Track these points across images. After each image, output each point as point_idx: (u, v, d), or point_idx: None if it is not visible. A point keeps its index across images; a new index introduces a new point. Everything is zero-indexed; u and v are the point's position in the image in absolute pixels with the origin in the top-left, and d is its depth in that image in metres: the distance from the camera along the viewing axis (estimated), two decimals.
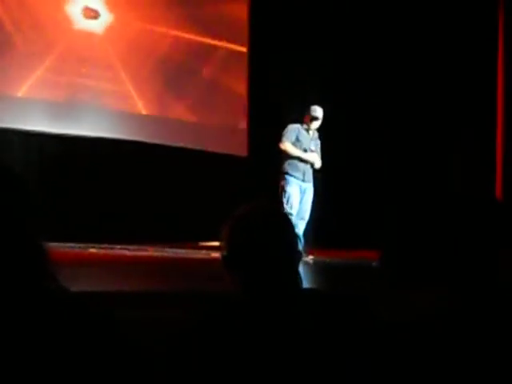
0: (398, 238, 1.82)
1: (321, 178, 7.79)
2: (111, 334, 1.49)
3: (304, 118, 7.64)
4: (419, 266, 1.76)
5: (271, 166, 9.49)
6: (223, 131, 9.73)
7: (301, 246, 7.40)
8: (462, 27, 9.43)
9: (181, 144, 9.16)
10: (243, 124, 9.86)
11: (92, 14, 8.77)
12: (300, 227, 7.47)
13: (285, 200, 7.49)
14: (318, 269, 7.30)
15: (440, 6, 9.46)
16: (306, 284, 6.25)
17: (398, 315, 1.68)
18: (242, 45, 9.83)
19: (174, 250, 8.07)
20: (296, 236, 2.03)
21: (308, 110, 7.63)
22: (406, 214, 1.85)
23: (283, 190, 7.54)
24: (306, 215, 7.58)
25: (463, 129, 9.45)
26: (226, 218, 1.98)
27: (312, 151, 7.61)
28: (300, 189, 7.56)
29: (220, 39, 9.67)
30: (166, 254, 7.86)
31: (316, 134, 7.70)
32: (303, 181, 7.57)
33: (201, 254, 7.87)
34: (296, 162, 7.57)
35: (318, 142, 7.74)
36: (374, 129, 9.53)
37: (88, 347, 1.45)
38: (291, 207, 7.45)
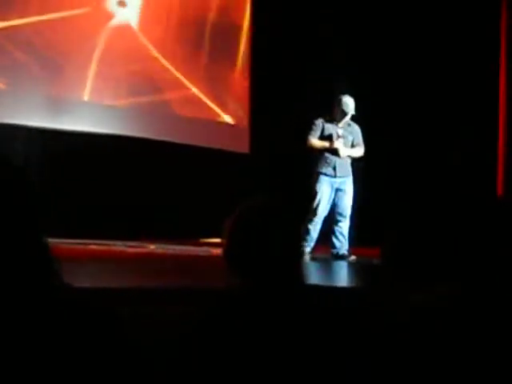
0: (399, 235, 1.82)
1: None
2: (113, 330, 1.50)
3: (333, 109, 7.39)
4: (420, 263, 1.76)
5: (273, 163, 9.51)
6: (224, 128, 9.73)
7: (342, 246, 7.29)
8: (465, 26, 9.41)
9: (182, 140, 9.15)
10: (245, 120, 9.85)
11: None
12: (341, 225, 7.28)
13: (314, 203, 7.25)
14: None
15: (443, 3, 9.44)
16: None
17: (398, 313, 1.69)
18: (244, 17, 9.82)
19: (175, 247, 8.07)
20: (298, 233, 2.03)
21: (338, 102, 7.36)
22: (407, 212, 1.85)
23: (315, 191, 7.30)
24: (346, 212, 7.31)
25: (464, 126, 9.44)
26: (228, 214, 1.99)
27: (339, 137, 7.33)
28: (332, 186, 7.30)
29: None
30: (166, 251, 7.86)
31: (346, 124, 7.42)
32: (335, 176, 7.31)
33: (202, 251, 7.87)
34: (325, 155, 7.31)
35: (356, 128, 7.45)
36: (375, 125, 9.52)
37: (90, 344, 1.45)
38: (317, 207, 7.23)
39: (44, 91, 8.24)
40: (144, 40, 9.01)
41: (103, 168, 8.51)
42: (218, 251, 7.06)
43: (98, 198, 8.35)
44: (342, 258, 7.27)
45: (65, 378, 1.41)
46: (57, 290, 1.48)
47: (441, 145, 9.52)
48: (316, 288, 1.99)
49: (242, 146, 9.70)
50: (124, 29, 8.88)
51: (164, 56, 9.13)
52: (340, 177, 7.33)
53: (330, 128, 7.39)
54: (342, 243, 7.32)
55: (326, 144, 7.33)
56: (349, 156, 7.41)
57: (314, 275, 6.46)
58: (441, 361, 1.62)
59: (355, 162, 7.54)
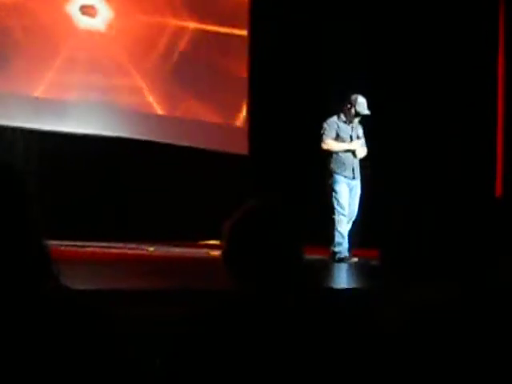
0: (397, 236, 1.82)
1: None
2: (111, 332, 1.49)
3: (344, 107, 7.29)
4: (419, 264, 1.76)
5: (272, 165, 9.51)
6: (223, 129, 9.73)
7: (347, 247, 7.24)
8: (463, 27, 9.41)
9: (181, 142, 9.15)
10: (244, 122, 9.85)
11: (90, 11, 8.77)
12: (348, 227, 7.25)
13: (335, 201, 7.17)
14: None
15: (441, 5, 9.44)
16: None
17: (397, 313, 1.69)
18: (242, 28, 9.79)
19: (174, 249, 8.07)
20: (298, 235, 2.03)
21: (350, 99, 7.26)
22: (405, 213, 1.85)
23: (333, 190, 7.20)
24: (354, 214, 7.28)
25: (462, 126, 9.44)
26: (227, 216, 1.98)
27: (359, 138, 7.29)
28: (349, 187, 7.25)
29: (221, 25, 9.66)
30: (165, 253, 7.86)
31: (357, 124, 7.35)
32: (353, 178, 7.26)
33: (201, 253, 7.87)
34: (343, 158, 7.22)
35: (360, 129, 7.38)
36: (373, 126, 9.53)
37: (88, 345, 1.45)
38: (343, 207, 7.16)
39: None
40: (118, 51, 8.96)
41: (101, 169, 8.51)
42: (216, 253, 7.07)
43: (96, 200, 8.36)
44: (343, 259, 7.24)
45: (62, 379, 1.41)
46: (55, 293, 1.48)
47: (439, 145, 9.51)
48: (315, 290, 1.99)
49: (242, 147, 9.70)
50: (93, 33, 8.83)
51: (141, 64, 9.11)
52: (356, 179, 7.32)
53: (344, 128, 7.31)
54: (345, 244, 7.28)
55: (346, 146, 7.26)
56: (361, 157, 7.38)
57: (313, 277, 6.46)
58: (441, 361, 1.61)
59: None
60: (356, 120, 7.34)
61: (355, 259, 7.31)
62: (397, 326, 1.66)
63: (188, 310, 1.91)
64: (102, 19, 8.86)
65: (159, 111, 9.26)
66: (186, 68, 9.37)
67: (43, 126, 8.25)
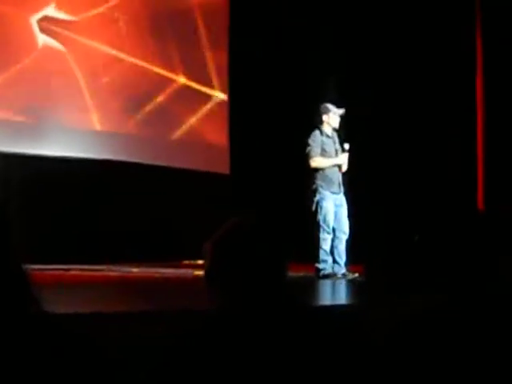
0: (381, 251, 1.82)
1: None
2: (93, 357, 1.47)
3: (321, 120, 7.31)
4: (403, 277, 1.76)
5: (253, 184, 9.51)
6: (204, 149, 9.73)
7: (343, 263, 7.22)
8: (442, 38, 9.48)
9: (162, 162, 9.14)
10: (224, 141, 9.86)
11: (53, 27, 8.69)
12: (343, 243, 7.20)
13: (321, 217, 7.14)
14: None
15: (421, 15, 9.50)
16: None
17: (382, 325, 1.68)
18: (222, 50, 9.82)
19: (158, 270, 8.03)
20: (281, 253, 2.02)
21: (323, 109, 7.30)
22: (389, 228, 1.85)
23: (319, 207, 7.17)
24: (347, 228, 7.24)
25: (442, 140, 9.49)
26: (209, 236, 1.97)
27: (345, 151, 7.32)
28: (335, 203, 7.25)
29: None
30: (149, 274, 7.82)
31: (336, 136, 7.39)
32: (338, 193, 7.26)
33: (185, 273, 7.84)
34: (329, 173, 7.22)
35: (338, 145, 7.41)
36: (357, 138, 9.57)
37: (71, 371, 1.43)
38: (328, 225, 7.14)
39: None
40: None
41: (83, 192, 8.48)
42: (200, 272, 7.04)
43: (77, 223, 8.31)
44: (344, 276, 7.19)
45: None
46: (36, 318, 1.46)
47: (420, 158, 9.55)
48: (299, 307, 1.98)
49: (223, 167, 9.71)
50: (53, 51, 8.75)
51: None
52: (341, 193, 7.32)
53: (328, 142, 7.33)
54: (343, 261, 7.24)
55: (334, 161, 7.26)
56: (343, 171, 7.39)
57: (300, 295, 6.44)
58: (430, 372, 1.61)
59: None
60: (334, 125, 7.36)
61: (355, 275, 7.18)
62: (384, 340, 1.65)
63: (173, 331, 1.90)
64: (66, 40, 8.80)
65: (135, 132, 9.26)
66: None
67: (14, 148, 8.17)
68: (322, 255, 7.14)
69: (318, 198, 7.21)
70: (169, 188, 9.02)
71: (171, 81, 9.43)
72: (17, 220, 1.54)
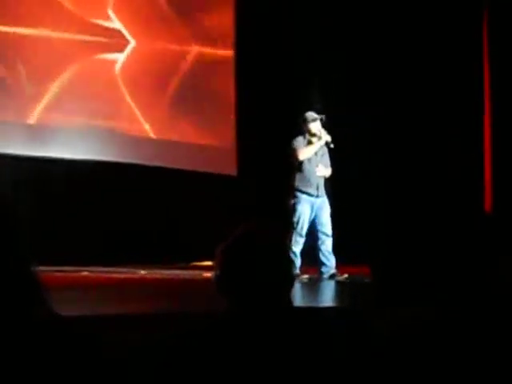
0: (387, 253, 1.82)
1: None
2: (101, 359, 1.48)
3: (303, 128, 7.40)
4: (409, 280, 1.76)
5: (261, 185, 9.51)
6: (212, 151, 9.73)
7: (331, 264, 7.27)
8: (449, 38, 9.46)
9: (170, 164, 9.14)
10: (232, 143, 9.86)
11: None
12: (327, 244, 7.27)
13: (295, 220, 7.22)
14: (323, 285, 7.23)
15: (427, 14, 9.47)
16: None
17: (388, 329, 1.69)
18: (227, 49, 9.83)
19: (166, 271, 8.04)
20: (290, 261, 2.04)
21: (304, 118, 7.41)
22: (394, 229, 1.85)
23: (294, 209, 7.27)
24: (329, 230, 7.29)
25: (450, 141, 9.47)
26: (217, 237, 1.98)
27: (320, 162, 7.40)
28: (312, 206, 7.29)
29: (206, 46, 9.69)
30: (157, 275, 7.83)
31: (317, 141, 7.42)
32: (317, 196, 7.30)
33: (193, 274, 7.84)
34: (308, 175, 7.30)
35: (325, 149, 7.46)
36: (365, 141, 9.55)
37: (80, 372, 1.44)
38: (301, 228, 7.21)
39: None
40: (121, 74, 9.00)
41: (90, 194, 8.49)
42: (208, 274, 7.05)
43: (86, 225, 8.33)
44: (333, 276, 7.26)
45: None
46: (46, 320, 1.47)
47: (427, 159, 9.52)
48: (306, 311, 1.99)
49: (230, 168, 9.71)
50: (106, 64, 8.88)
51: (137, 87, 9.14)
52: (320, 196, 7.35)
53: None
54: (331, 262, 7.32)
55: (318, 144, 7.31)
56: (324, 176, 7.44)
57: (305, 296, 6.45)
58: (429, 374, 1.62)
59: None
60: (315, 130, 7.40)
61: (344, 276, 7.31)
62: (387, 345, 1.66)
63: (182, 334, 1.90)
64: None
65: (150, 135, 9.28)
66: (177, 92, 9.42)
67: (34, 152, 8.25)
68: (291, 257, 7.16)
69: (293, 200, 7.32)
70: (177, 190, 9.02)
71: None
72: (26, 222, 1.56)
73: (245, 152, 9.73)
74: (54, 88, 8.49)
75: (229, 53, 9.83)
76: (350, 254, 7.71)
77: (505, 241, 1.73)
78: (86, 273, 7.57)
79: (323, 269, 7.29)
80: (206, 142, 9.71)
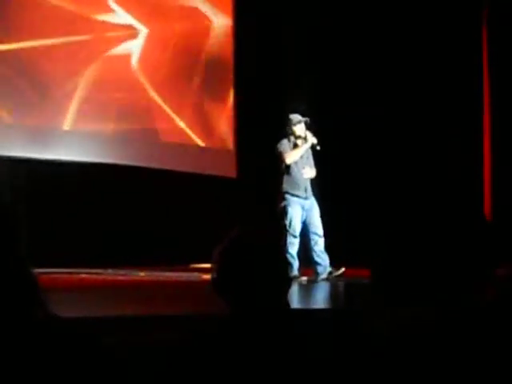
0: (387, 254, 1.82)
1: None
2: (101, 361, 1.48)
3: (287, 131, 7.47)
4: (409, 282, 1.76)
5: (260, 187, 9.50)
6: (212, 153, 9.73)
7: (326, 263, 7.35)
8: (449, 38, 9.45)
9: (170, 167, 9.14)
10: (232, 145, 9.86)
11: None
12: (320, 244, 7.35)
13: (287, 222, 7.30)
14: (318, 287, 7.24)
15: (426, 13, 9.47)
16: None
17: (388, 329, 1.69)
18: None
19: (165, 274, 8.03)
20: (286, 262, 2.05)
21: (289, 120, 7.48)
22: (394, 231, 1.85)
23: (284, 212, 7.34)
24: (321, 230, 7.38)
25: (449, 142, 9.46)
26: (217, 239, 1.98)
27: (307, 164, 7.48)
28: (303, 208, 7.37)
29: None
30: (156, 277, 7.82)
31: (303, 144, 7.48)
32: (306, 198, 7.38)
33: (192, 277, 7.84)
34: (296, 177, 7.37)
35: (310, 151, 7.52)
36: (361, 141, 9.55)
37: (79, 375, 1.44)
38: (294, 230, 7.29)
39: (33, 120, 8.25)
40: (138, 71, 9.01)
41: (90, 196, 8.49)
42: (207, 276, 7.04)
43: (85, 227, 8.33)
44: (331, 274, 7.33)
45: None
46: (44, 321, 1.46)
47: (426, 159, 9.51)
48: (304, 312, 1.99)
49: (230, 170, 9.71)
50: (122, 58, 8.89)
51: (154, 86, 9.14)
52: (309, 198, 7.43)
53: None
54: (325, 261, 7.39)
55: (304, 147, 7.37)
56: (310, 177, 7.51)
57: (304, 298, 6.46)
58: (428, 375, 1.62)
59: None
60: (299, 133, 7.45)
61: (341, 270, 7.39)
62: (387, 343, 1.66)
63: (180, 336, 1.90)
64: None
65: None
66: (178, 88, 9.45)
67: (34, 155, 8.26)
68: (288, 259, 7.22)
69: (283, 203, 7.39)
70: (176, 192, 9.01)
71: None
72: (25, 223, 1.55)
73: (245, 154, 9.73)
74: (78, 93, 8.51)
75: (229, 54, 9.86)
76: (349, 255, 7.74)
77: (504, 241, 1.73)
78: (84, 275, 7.57)
79: (319, 269, 7.36)
80: (206, 143, 9.72)
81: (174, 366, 1.82)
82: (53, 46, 8.37)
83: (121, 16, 8.90)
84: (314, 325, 1.89)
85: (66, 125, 8.48)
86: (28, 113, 8.20)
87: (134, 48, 8.99)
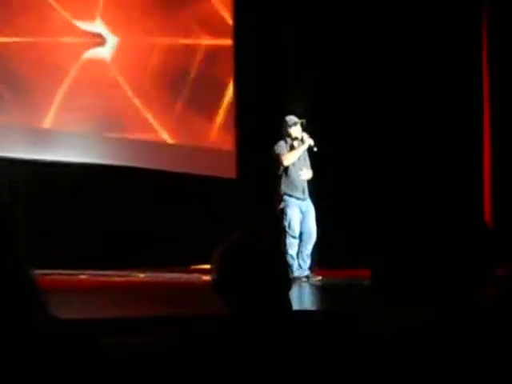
0: (387, 255, 1.82)
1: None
2: (101, 362, 1.48)
3: (284, 133, 7.50)
4: (408, 282, 1.76)
5: (260, 188, 9.50)
6: (211, 153, 9.73)
7: (306, 266, 7.42)
8: (449, 38, 9.45)
9: (169, 167, 9.14)
10: (231, 146, 9.86)
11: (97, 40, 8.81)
12: (308, 247, 7.39)
13: (286, 223, 7.34)
14: (318, 288, 7.25)
15: (426, 13, 9.47)
16: (309, 305, 6.30)
17: (388, 329, 1.68)
18: (226, 37, 9.83)
19: (165, 275, 8.03)
20: (286, 264, 2.06)
21: (285, 122, 7.51)
22: (394, 232, 1.85)
23: (283, 213, 7.38)
24: (314, 234, 7.42)
25: (449, 143, 9.46)
26: (217, 240, 1.98)
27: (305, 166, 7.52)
28: (301, 209, 7.41)
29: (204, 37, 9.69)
30: (156, 279, 7.82)
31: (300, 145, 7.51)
32: (303, 199, 7.42)
33: (192, 278, 7.84)
34: (293, 179, 7.41)
35: (306, 152, 7.55)
36: (361, 141, 9.54)
37: (79, 377, 1.43)
38: (294, 231, 7.33)
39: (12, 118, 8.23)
40: (119, 78, 8.98)
41: (90, 197, 8.48)
42: (207, 277, 7.04)
43: (85, 228, 8.32)
44: (307, 278, 7.40)
45: None
46: (43, 323, 1.46)
47: (426, 160, 9.51)
48: (305, 313, 1.99)
49: (229, 171, 9.71)
50: (98, 63, 8.85)
51: (138, 97, 9.11)
52: (306, 199, 7.47)
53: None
54: (307, 264, 7.46)
55: (301, 148, 7.40)
56: (307, 178, 7.54)
57: (303, 299, 6.45)
58: (428, 376, 1.62)
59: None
60: (295, 135, 7.48)
61: (318, 278, 7.45)
62: (387, 345, 1.65)
63: (180, 336, 1.90)
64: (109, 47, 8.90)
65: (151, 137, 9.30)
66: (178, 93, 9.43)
67: (42, 156, 8.26)
68: (288, 260, 7.27)
69: (282, 204, 7.43)
70: (175, 193, 9.01)
71: None
72: (24, 224, 1.55)
73: (244, 155, 9.74)
74: (59, 93, 8.48)
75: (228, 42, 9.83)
76: (349, 256, 7.74)
77: (504, 241, 1.73)
78: (84, 276, 7.56)
79: (299, 271, 7.38)
80: (206, 144, 9.72)
81: (174, 366, 1.82)
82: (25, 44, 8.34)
83: (96, 24, 8.84)
84: (313, 325, 1.89)
85: (47, 123, 8.47)
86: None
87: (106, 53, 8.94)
